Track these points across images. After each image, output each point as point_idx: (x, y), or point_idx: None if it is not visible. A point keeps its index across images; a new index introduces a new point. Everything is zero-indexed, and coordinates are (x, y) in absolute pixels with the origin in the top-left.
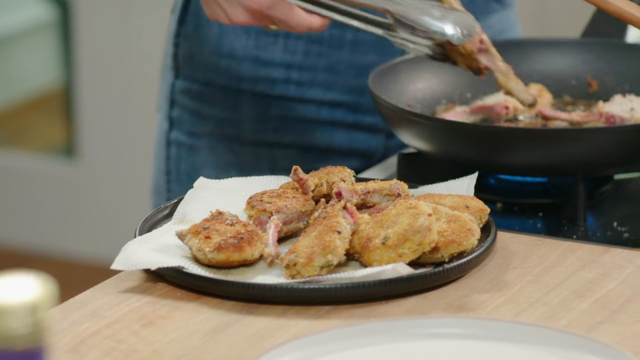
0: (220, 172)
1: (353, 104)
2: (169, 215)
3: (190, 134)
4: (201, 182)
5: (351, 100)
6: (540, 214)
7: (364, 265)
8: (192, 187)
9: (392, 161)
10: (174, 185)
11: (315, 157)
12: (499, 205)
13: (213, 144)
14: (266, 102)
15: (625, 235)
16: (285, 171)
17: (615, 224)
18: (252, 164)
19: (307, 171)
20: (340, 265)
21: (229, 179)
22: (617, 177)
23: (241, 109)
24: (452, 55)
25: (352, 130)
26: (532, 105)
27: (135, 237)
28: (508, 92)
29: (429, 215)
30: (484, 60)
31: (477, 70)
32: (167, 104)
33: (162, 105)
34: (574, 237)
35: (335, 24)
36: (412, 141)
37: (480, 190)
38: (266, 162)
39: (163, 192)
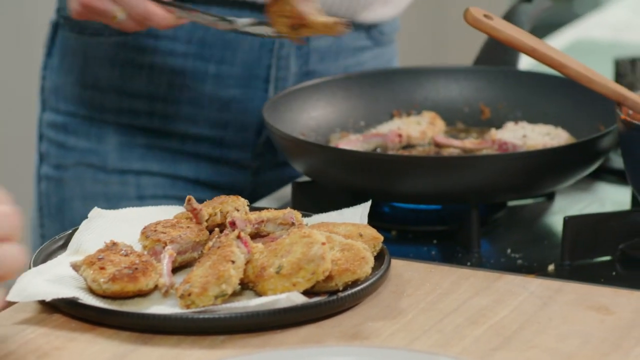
0: (88, 203)
1: (217, 139)
2: (64, 246)
3: (57, 167)
4: (95, 212)
5: (215, 134)
6: (435, 241)
7: (259, 294)
8: (62, 221)
9: (287, 190)
10: (46, 220)
11: (183, 186)
12: (393, 232)
13: (79, 174)
14: (131, 132)
15: (519, 261)
16: (155, 200)
17: (509, 250)
18: (119, 193)
19: (199, 201)
20: (235, 295)
21: (124, 209)
22: (511, 203)
23: (106, 139)
24: (273, 20)
25: (218, 165)
26: (339, 28)
27: (30, 268)
28: (316, 27)
29: (323, 244)
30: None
31: (297, 28)
32: (37, 139)
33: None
34: (468, 263)
35: (197, 55)
36: (307, 170)
37: (375, 219)
38: (133, 191)
39: (37, 227)
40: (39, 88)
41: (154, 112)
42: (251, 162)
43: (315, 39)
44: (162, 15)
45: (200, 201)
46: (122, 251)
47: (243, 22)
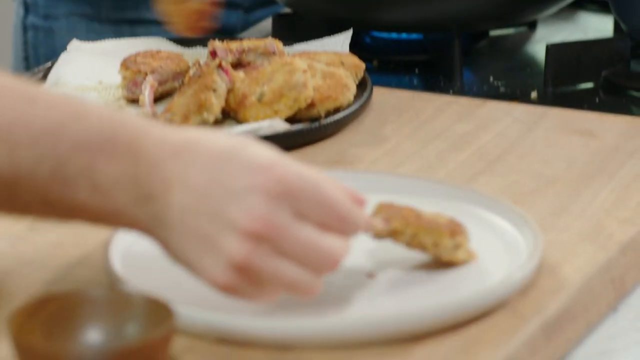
0: None
1: None
2: (44, 78)
3: (46, 17)
4: (74, 44)
5: None
6: (417, 71)
7: (241, 122)
8: None
9: (267, 23)
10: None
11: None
12: (374, 62)
13: (71, 25)
14: None
15: (502, 89)
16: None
17: (491, 78)
18: None
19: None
20: (216, 123)
21: (103, 41)
22: (493, 33)
23: None
24: None
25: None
26: None
27: None
28: None
29: (304, 71)
30: None
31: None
32: None
33: None
34: (451, 92)
35: None
36: (288, 1)
37: (356, 49)
38: None
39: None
40: None
41: None
42: (242, 0)
43: None
44: None
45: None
46: None
47: None
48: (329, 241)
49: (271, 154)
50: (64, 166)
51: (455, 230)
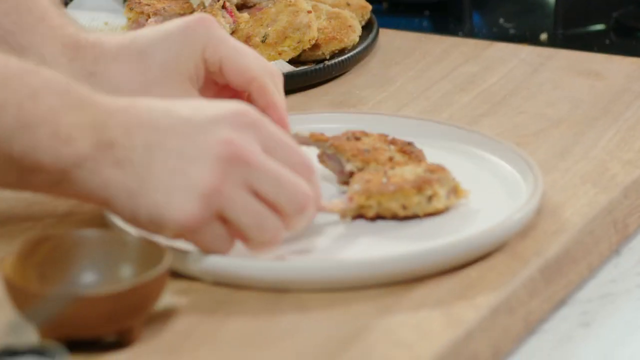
0: None
1: None
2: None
3: None
4: None
5: None
6: (426, 13)
7: None
8: None
9: None
10: None
11: None
12: (384, 4)
13: None
14: None
15: (512, 31)
16: None
17: (501, 20)
18: None
19: None
20: None
21: None
22: None
23: None
24: None
25: None
26: None
27: None
28: None
29: (309, 12)
30: None
31: None
32: None
33: None
34: (460, 34)
35: None
36: None
37: None
38: None
39: None
40: None
41: None
42: None
43: None
44: None
45: None
46: None
47: None
48: (299, 180)
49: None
50: (26, 113)
51: (422, 183)
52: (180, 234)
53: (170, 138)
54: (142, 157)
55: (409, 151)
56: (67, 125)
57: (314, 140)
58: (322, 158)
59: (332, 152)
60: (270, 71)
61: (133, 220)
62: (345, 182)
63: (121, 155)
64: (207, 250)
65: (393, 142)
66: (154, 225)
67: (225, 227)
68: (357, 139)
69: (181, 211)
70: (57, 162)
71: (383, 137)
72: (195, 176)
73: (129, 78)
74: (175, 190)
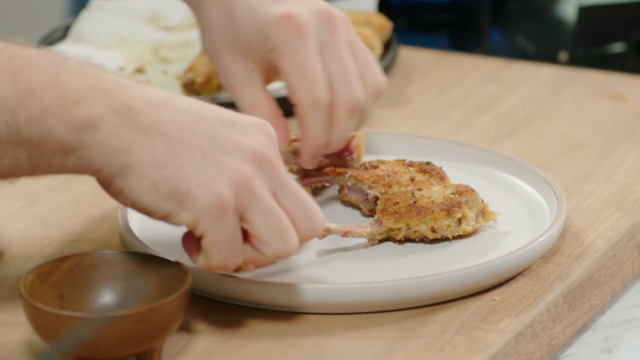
0: None
1: None
2: (64, 36)
3: None
4: (97, 2)
5: None
6: (445, 30)
7: None
8: None
9: None
10: None
11: None
12: (403, 22)
13: None
14: None
15: (530, 49)
16: None
17: (520, 38)
18: None
19: None
20: None
21: None
22: None
23: None
24: None
25: None
26: None
27: None
28: None
29: None
30: None
31: None
32: None
33: None
34: (478, 51)
35: None
36: None
37: (385, 10)
38: None
39: None
40: None
41: None
42: None
43: None
44: None
45: None
46: None
47: None
48: (315, 205)
49: None
50: (26, 81)
51: (451, 206)
52: (196, 219)
53: (201, 124)
54: (172, 131)
55: (428, 170)
56: (74, 88)
57: (333, 175)
58: (343, 192)
59: (352, 183)
60: (314, 101)
61: (149, 193)
62: (372, 211)
63: (146, 124)
64: (214, 252)
65: (411, 164)
66: (174, 200)
67: (241, 233)
68: (375, 167)
69: (211, 190)
70: (70, 123)
71: (400, 162)
72: (229, 166)
73: (217, 20)
74: (209, 169)
